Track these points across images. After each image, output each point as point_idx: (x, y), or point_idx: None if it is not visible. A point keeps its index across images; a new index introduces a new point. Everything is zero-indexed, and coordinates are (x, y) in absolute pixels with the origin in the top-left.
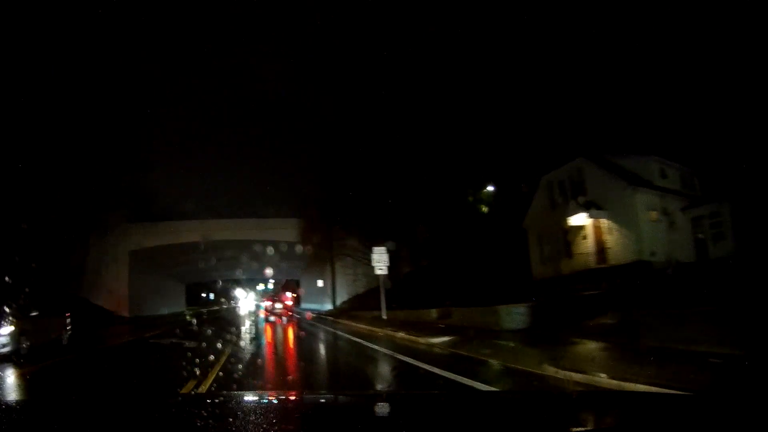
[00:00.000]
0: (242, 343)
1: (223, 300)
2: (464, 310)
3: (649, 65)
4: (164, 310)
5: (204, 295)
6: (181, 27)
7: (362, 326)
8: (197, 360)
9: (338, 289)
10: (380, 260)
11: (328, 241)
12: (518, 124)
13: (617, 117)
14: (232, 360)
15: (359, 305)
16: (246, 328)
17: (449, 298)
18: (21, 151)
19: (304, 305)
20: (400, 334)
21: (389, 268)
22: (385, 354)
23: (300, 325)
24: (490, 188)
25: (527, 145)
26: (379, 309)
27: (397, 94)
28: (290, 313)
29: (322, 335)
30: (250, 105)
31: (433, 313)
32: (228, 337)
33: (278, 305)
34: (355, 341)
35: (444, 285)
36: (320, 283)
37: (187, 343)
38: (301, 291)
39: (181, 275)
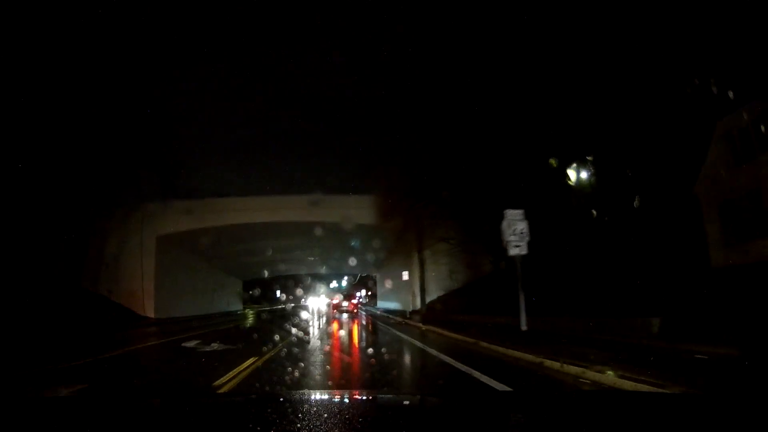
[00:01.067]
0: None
1: (291, 298)
2: None
3: None
4: (208, 309)
5: (260, 292)
6: None
7: (495, 348)
8: None
9: (428, 283)
10: (515, 231)
11: (414, 224)
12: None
13: None
14: None
15: (458, 305)
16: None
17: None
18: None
19: (381, 303)
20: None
21: (469, 264)
22: None
23: (373, 334)
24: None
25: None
26: (497, 313)
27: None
28: (355, 311)
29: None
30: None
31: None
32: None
33: (345, 303)
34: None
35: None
36: (405, 275)
37: None
38: (376, 288)
39: (235, 269)
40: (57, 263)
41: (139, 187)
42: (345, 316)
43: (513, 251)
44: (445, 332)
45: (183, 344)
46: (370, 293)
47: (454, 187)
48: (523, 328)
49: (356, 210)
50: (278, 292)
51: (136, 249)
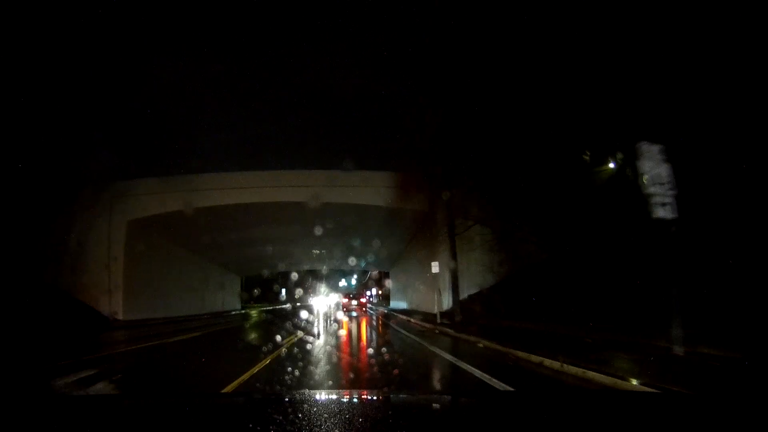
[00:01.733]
0: None
1: (294, 297)
2: None
3: None
4: (199, 309)
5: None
6: None
7: None
8: None
9: (462, 278)
10: (657, 179)
11: (444, 204)
12: None
13: None
14: None
15: (502, 305)
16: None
17: None
18: None
19: (395, 303)
20: None
21: (510, 254)
22: None
23: (401, 354)
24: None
25: None
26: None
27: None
28: (364, 309)
29: None
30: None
31: None
32: None
33: (354, 302)
34: None
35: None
36: (435, 266)
37: None
38: (387, 287)
39: (232, 264)
40: (13, 253)
41: (108, 163)
42: (356, 325)
43: (659, 212)
44: (540, 360)
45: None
46: (380, 292)
47: (492, 158)
48: (678, 352)
49: (372, 189)
50: (283, 292)
51: (104, 236)
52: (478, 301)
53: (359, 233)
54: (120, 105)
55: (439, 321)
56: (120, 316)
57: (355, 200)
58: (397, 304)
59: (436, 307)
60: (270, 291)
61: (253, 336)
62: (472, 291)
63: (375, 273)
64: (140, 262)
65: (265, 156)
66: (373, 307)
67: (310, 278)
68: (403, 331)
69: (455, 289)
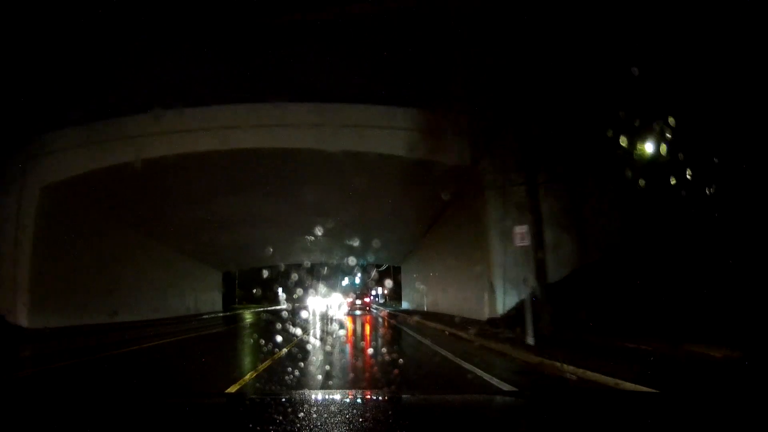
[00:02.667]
0: None
1: (296, 297)
2: None
3: None
4: (164, 311)
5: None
6: None
7: None
8: None
9: (507, 271)
10: None
11: (496, 159)
12: None
13: None
14: None
15: (579, 310)
16: None
17: None
18: None
19: (408, 305)
20: None
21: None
22: None
23: None
24: None
25: None
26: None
27: None
28: (368, 309)
29: None
30: None
31: None
32: None
33: (358, 302)
34: None
35: None
36: (520, 236)
37: None
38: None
39: (208, 254)
40: None
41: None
42: (375, 350)
43: None
44: None
45: None
46: (385, 292)
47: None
48: None
49: (390, 133)
50: (279, 291)
51: (11, 210)
52: (545, 303)
53: (369, 205)
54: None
55: (500, 334)
56: (24, 322)
57: (366, 146)
58: (410, 304)
59: (486, 310)
60: (270, 291)
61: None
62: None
63: (375, 274)
64: (61, 247)
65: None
66: (379, 308)
67: (310, 278)
68: (466, 365)
69: (541, 284)
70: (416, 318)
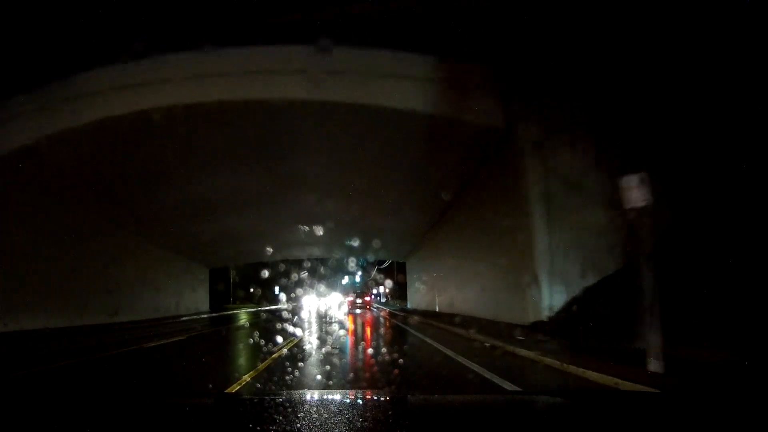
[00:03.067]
0: None
1: (292, 297)
2: None
3: None
4: (134, 313)
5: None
6: None
7: None
8: None
9: (556, 260)
10: None
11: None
12: None
13: None
14: None
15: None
16: None
17: None
18: None
19: (414, 305)
20: None
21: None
22: None
23: None
24: None
25: None
26: None
27: None
28: (369, 307)
29: None
30: None
31: None
32: None
33: (359, 300)
34: None
35: None
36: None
37: None
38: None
39: (189, 249)
40: None
41: None
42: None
43: None
44: None
45: None
46: (387, 291)
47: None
48: None
49: (407, 84)
50: (276, 290)
51: None
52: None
53: (379, 176)
54: None
55: (548, 344)
56: None
57: (373, 99)
58: (416, 303)
59: (530, 312)
60: (269, 291)
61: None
62: (585, 283)
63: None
64: None
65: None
66: (381, 307)
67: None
68: None
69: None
70: (432, 322)
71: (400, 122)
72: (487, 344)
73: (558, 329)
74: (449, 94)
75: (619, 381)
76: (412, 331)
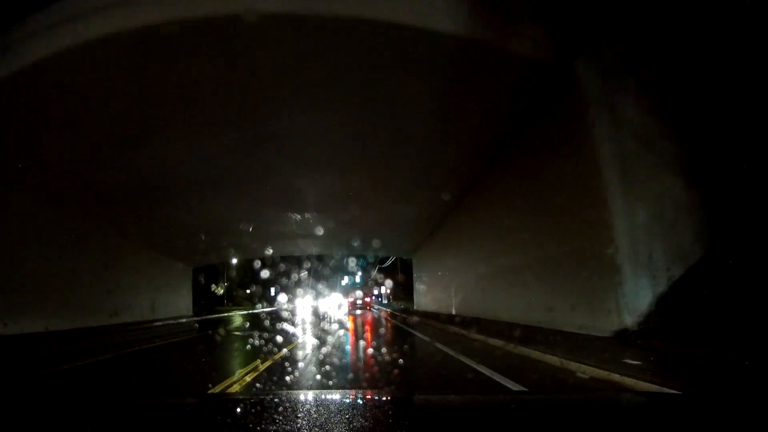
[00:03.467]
0: None
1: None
2: None
3: None
4: (91, 319)
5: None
6: None
7: None
8: None
9: (640, 243)
10: None
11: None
12: None
13: None
14: None
15: None
16: None
17: None
18: None
19: (421, 306)
20: None
21: None
22: None
23: None
24: None
25: None
26: None
27: None
28: (369, 308)
29: None
30: None
31: None
32: None
33: (359, 301)
34: None
35: None
36: None
37: None
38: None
39: (166, 246)
40: None
41: None
42: None
43: None
44: None
45: None
46: (388, 291)
47: None
48: None
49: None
50: (272, 291)
51: None
52: (686, 302)
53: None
54: None
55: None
56: None
57: (383, 13)
58: (424, 305)
59: (614, 317)
60: (268, 291)
61: None
62: (671, 275)
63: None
64: None
65: None
66: (381, 308)
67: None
68: None
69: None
70: (456, 330)
71: (419, 50)
72: (584, 375)
73: (654, 341)
74: (485, 12)
75: None
76: (442, 347)
